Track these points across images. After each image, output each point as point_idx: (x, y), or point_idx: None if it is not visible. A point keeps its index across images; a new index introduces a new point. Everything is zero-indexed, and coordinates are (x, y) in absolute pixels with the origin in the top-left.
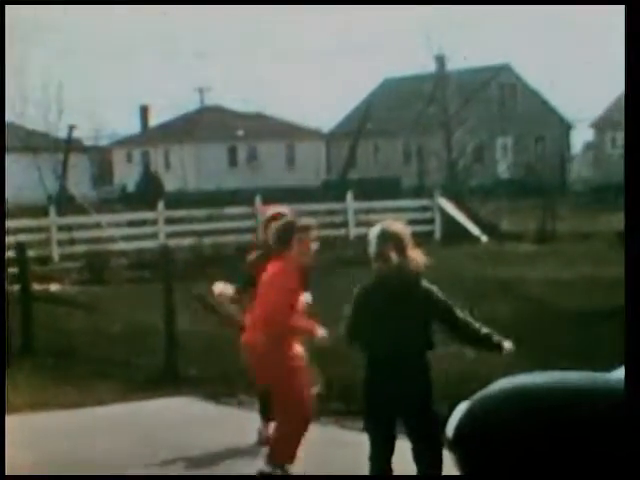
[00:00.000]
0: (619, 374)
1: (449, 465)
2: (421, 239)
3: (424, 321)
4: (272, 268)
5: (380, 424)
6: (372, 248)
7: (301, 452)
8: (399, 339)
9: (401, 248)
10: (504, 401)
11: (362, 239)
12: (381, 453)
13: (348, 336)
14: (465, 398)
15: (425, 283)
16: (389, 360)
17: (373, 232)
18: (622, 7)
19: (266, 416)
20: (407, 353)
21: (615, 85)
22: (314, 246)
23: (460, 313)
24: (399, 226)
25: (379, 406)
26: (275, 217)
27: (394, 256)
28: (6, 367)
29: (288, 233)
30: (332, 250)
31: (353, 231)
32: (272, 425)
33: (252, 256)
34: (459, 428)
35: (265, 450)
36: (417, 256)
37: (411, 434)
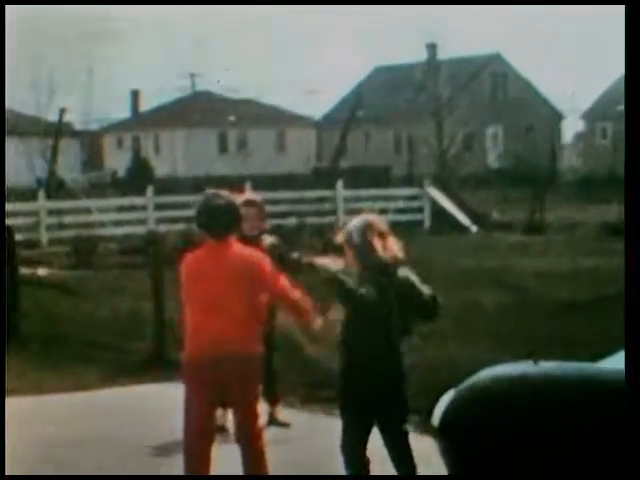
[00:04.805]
0: (606, 365)
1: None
2: (410, 228)
3: (404, 310)
4: None
5: (356, 413)
6: (356, 239)
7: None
8: (381, 329)
9: (383, 239)
10: (491, 390)
11: None
12: (355, 441)
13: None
14: (449, 388)
15: (403, 271)
16: (369, 350)
17: (355, 224)
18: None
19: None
20: (388, 343)
21: (606, 77)
22: None
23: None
24: (379, 219)
25: (356, 395)
26: (245, 204)
27: (378, 247)
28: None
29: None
30: (321, 237)
31: (343, 219)
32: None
33: None
34: (445, 416)
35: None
36: (395, 247)
37: (383, 427)
